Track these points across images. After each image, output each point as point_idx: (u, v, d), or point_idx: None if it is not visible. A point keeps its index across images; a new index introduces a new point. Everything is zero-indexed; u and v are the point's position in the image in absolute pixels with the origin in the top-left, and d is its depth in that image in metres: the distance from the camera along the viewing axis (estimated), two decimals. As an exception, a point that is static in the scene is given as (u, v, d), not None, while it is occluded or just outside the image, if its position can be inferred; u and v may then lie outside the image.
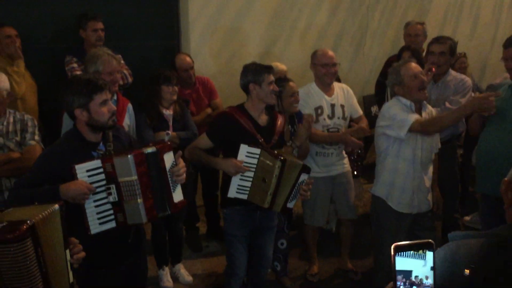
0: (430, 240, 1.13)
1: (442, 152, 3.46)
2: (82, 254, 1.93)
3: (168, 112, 3.64)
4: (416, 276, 1.12)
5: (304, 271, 4.09)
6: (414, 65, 3.17)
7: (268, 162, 2.89)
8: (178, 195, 2.50)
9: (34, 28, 4.35)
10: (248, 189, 2.93)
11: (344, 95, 3.81)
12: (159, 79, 3.59)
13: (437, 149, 3.33)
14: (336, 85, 3.83)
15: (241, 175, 2.92)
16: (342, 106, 3.77)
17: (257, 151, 2.89)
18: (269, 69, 3.01)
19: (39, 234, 1.63)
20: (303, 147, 3.40)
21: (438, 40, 3.90)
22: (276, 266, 3.84)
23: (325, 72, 3.68)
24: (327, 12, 5.63)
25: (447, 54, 3.83)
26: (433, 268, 1.13)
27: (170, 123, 3.65)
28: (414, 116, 3.06)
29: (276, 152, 2.93)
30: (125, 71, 4.02)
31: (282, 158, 2.87)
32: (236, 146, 2.89)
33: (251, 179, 2.92)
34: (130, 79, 4.05)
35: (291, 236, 3.99)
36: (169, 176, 2.42)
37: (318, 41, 5.52)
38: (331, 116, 3.74)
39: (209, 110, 4.29)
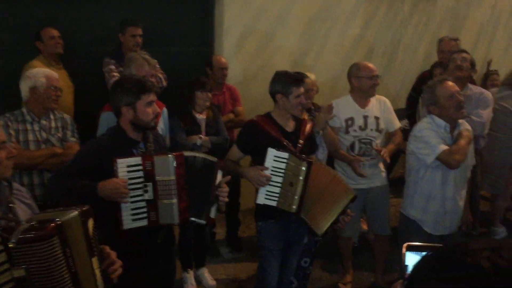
0: (439, 245, 1.16)
1: None
2: (119, 270, 1.83)
3: (201, 117, 3.71)
4: None
5: (329, 282, 4.07)
6: (450, 84, 3.11)
7: (295, 165, 2.86)
8: (213, 212, 2.57)
9: (75, 30, 4.48)
10: (278, 195, 2.89)
11: (380, 107, 3.78)
12: (194, 85, 3.68)
13: (471, 166, 3.28)
14: (374, 97, 3.80)
15: (270, 181, 2.88)
16: (377, 118, 3.73)
17: (285, 155, 2.86)
18: (299, 81, 2.99)
19: (67, 235, 1.58)
20: (328, 137, 3.40)
21: (461, 50, 3.98)
22: (292, 282, 3.66)
23: (371, 84, 3.67)
24: (360, 24, 5.66)
25: (468, 62, 3.84)
26: None
27: (203, 127, 3.72)
28: (443, 147, 2.99)
29: (303, 155, 2.92)
30: (160, 75, 4.12)
31: (308, 160, 2.86)
32: (264, 152, 2.88)
33: (280, 185, 2.88)
34: (164, 83, 4.14)
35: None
36: (215, 190, 2.50)
37: (350, 53, 5.54)
38: (364, 128, 3.73)
39: (231, 116, 4.37)
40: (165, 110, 3.45)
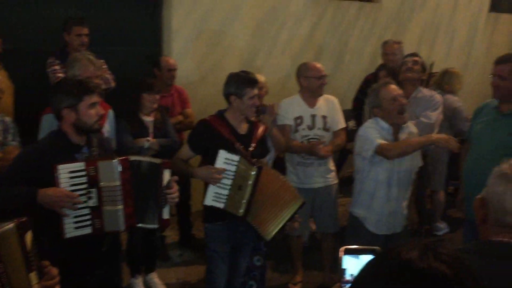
0: (377, 248, 1.20)
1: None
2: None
3: (148, 119, 3.65)
4: (351, 275, 1.18)
5: (279, 282, 4.10)
6: (393, 87, 3.17)
7: (245, 169, 2.87)
8: (166, 213, 2.54)
9: (16, 28, 4.29)
10: (226, 197, 2.88)
11: (328, 107, 3.84)
12: (141, 87, 3.60)
13: (417, 168, 3.34)
14: (322, 96, 3.86)
15: (218, 183, 2.88)
16: (324, 117, 3.79)
17: (236, 157, 2.86)
18: (252, 83, 2.97)
19: (1, 250, 1.49)
20: (275, 138, 3.43)
21: (413, 54, 4.10)
22: (251, 285, 3.67)
23: (319, 84, 3.73)
24: (309, 25, 5.73)
25: (419, 64, 3.96)
26: None
27: (150, 130, 3.65)
28: (380, 140, 3.06)
29: (254, 159, 2.92)
30: (108, 76, 4.01)
31: (259, 165, 2.86)
32: (215, 153, 2.86)
33: (228, 187, 2.87)
34: (112, 84, 4.05)
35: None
36: (163, 192, 2.46)
37: (299, 54, 5.60)
38: (312, 127, 3.78)
39: (180, 118, 4.32)
40: (110, 112, 3.37)
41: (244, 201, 2.87)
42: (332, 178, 3.89)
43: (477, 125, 3.22)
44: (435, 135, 3.18)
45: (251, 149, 2.99)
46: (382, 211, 3.23)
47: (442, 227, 5.06)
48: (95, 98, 2.40)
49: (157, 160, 2.50)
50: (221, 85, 3.09)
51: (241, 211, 2.88)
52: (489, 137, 3.07)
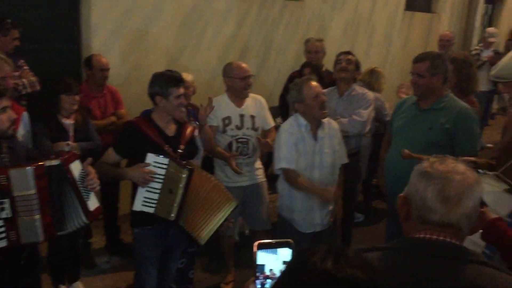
0: (290, 240, 1.21)
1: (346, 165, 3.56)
2: None
3: (68, 122, 3.45)
4: (270, 270, 1.18)
5: (211, 283, 4.06)
6: (315, 84, 3.23)
7: (175, 172, 2.79)
8: (93, 202, 2.41)
9: None
10: (155, 201, 2.79)
11: (256, 106, 3.84)
12: (59, 88, 3.39)
13: (340, 164, 3.42)
14: (249, 96, 3.84)
15: (148, 187, 2.78)
16: (253, 117, 3.79)
17: (165, 160, 2.77)
18: (178, 82, 2.88)
19: None
20: (206, 135, 3.40)
21: (347, 52, 4.12)
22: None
23: (244, 85, 3.70)
24: (234, 23, 5.71)
25: (352, 63, 4.02)
26: (285, 262, 1.19)
27: (71, 133, 3.46)
28: (284, 165, 3.21)
29: (184, 162, 2.86)
30: (33, 78, 3.80)
31: (189, 167, 2.80)
32: (143, 156, 2.76)
33: (158, 191, 2.79)
34: (38, 87, 3.83)
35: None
36: (79, 185, 2.31)
37: (225, 52, 5.58)
38: (240, 127, 3.77)
39: (113, 118, 4.18)
40: (25, 114, 3.16)
41: (176, 204, 2.79)
42: (261, 176, 3.91)
43: (398, 120, 3.35)
44: (325, 194, 3.24)
45: (180, 151, 2.91)
46: (306, 210, 3.28)
47: (359, 217, 5.26)
48: (5, 102, 2.22)
49: (55, 161, 2.29)
50: (146, 84, 2.98)
51: (173, 215, 2.80)
52: (409, 132, 3.20)
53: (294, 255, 1.12)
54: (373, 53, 7.53)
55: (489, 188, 2.24)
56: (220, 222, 2.92)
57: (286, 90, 4.67)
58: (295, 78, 4.43)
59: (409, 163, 3.05)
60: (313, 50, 4.90)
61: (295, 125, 3.24)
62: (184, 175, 2.77)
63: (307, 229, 3.32)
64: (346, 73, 3.98)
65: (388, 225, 3.61)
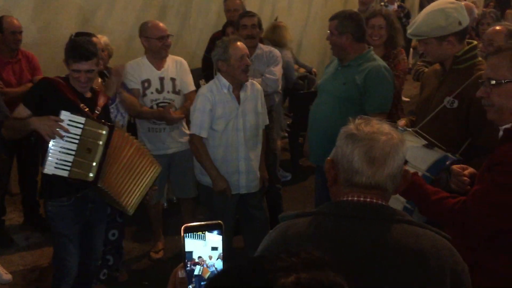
0: (220, 222, 1.14)
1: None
2: None
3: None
4: (199, 257, 1.13)
5: (140, 252, 3.97)
6: (242, 45, 3.16)
7: (94, 129, 2.62)
8: None
9: None
10: (70, 164, 2.57)
11: (176, 68, 3.69)
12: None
13: (263, 126, 3.39)
14: (169, 58, 3.69)
15: (62, 148, 2.54)
16: (173, 80, 3.65)
17: (81, 119, 2.58)
18: (76, 57, 2.63)
19: None
20: (126, 101, 3.28)
21: (248, 13, 4.02)
22: (108, 260, 3.47)
23: (161, 45, 3.55)
24: (150, -19, 5.41)
25: (257, 27, 3.96)
26: (214, 248, 1.13)
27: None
28: (196, 131, 3.16)
29: (103, 120, 2.69)
30: None
31: (110, 124, 2.66)
32: (57, 115, 2.54)
33: (73, 152, 2.57)
34: None
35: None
36: None
37: (142, 12, 5.30)
38: (160, 90, 3.62)
39: (30, 85, 3.85)
40: None
41: (95, 163, 2.61)
42: (187, 142, 3.80)
43: (324, 76, 3.42)
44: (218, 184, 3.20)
45: (97, 112, 2.75)
46: (232, 172, 3.22)
47: (286, 175, 5.32)
48: None
49: None
50: (57, 46, 2.77)
51: (91, 175, 2.61)
52: (330, 86, 3.27)
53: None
54: (294, 12, 7.50)
55: (409, 144, 2.32)
56: (147, 188, 2.82)
57: (208, 51, 4.53)
58: (217, 38, 4.30)
59: (328, 116, 3.20)
60: (232, 8, 4.74)
61: (216, 87, 3.16)
62: (104, 132, 2.63)
63: (232, 190, 3.25)
64: (253, 41, 3.89)
65: (316, 182, 3.67)
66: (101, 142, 2.63)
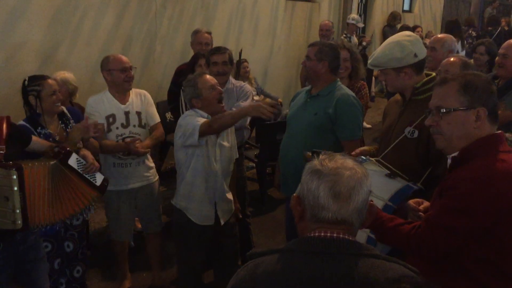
0: None
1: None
2: None
3: None
4: None
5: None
6: (209, 77, 3.18)
7: (3, 175, 2.45)
8: None
9: None
10: None
11: (141, 101, 3.66)
12: None
13: (234, 158, 3.40)
14: (132, 91, 3.65)
15: None
16: (139, 113, 3.61)
17: None
18: None
19: None
20: (92, 145, 3.21)
21: (219, 50, 3.96)
22: None
23: (124, 77, 3.50)
24: (113, 15, 5.40)
25: (228, 63, 3.96)
26: None
27: None
28: (201, 119, 3.04)
29: (11, 162, 2.48)
30: None
31: (17, 165, 2.47)
32: None
33: None
34: None
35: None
36: None
37: (106, 45, 5.27)
38: (126, 125, 3.57)
39: None
40: None
41: (18, 210, 2.49)
42: (153, 176, 3.76)
43: (292, 108, 3.48)
44: (247, 106, 3.20)
45: (2, 152, 2.51)
46: (204, 199, 3.19)
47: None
48: None
49: None
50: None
51: (19, 222, 2.50)
52: (299, 118, 3.32)
53: None
54: (259, 44, 7.62)
55: (372, 173, 2.36)
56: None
57: (174, 84, 4.53)
58: (183, 71, 4.32)
59: (299, 148, 3.23)
60: (203, 42, 4.76)
61: (196, 116, 3.11)
62: (14, 176, 2.46)
63: (202, 221, 3.21)
64: (224, 77, 3.89)
65: (287, 210, 3.67)
66: (16, 188, 2.47)
